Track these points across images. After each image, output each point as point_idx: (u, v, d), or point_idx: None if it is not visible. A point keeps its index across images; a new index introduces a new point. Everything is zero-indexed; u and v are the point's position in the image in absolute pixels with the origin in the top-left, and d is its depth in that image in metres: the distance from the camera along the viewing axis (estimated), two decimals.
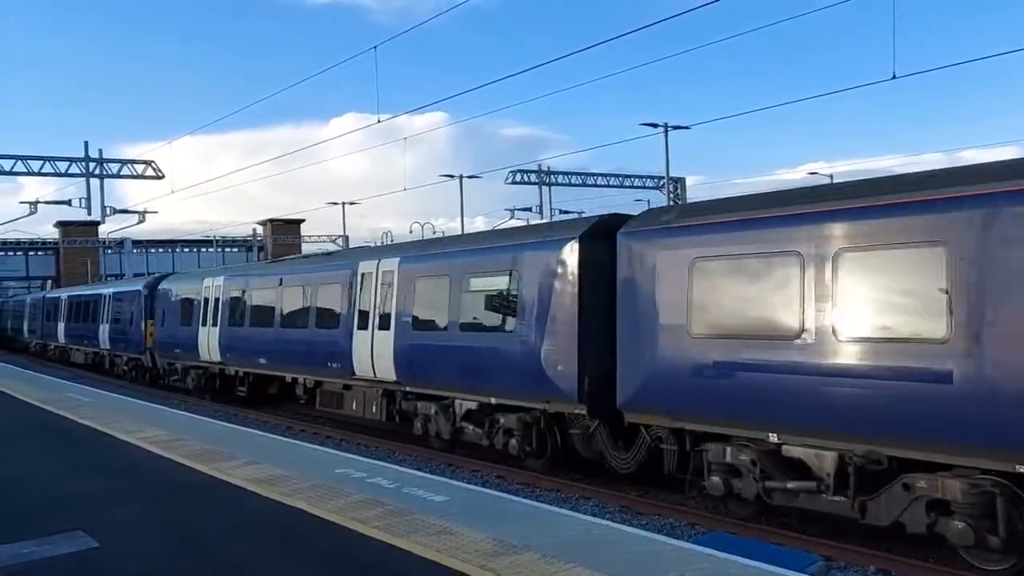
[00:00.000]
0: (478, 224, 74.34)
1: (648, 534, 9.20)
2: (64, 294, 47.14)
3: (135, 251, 68.19)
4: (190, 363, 27.80)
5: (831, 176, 58.60)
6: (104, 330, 36.91)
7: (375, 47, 30.59)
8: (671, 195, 59.49)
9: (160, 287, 31.35)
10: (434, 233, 59.16)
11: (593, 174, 64.47)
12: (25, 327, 56.51)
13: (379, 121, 28.84)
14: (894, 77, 21.02)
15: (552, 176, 62.84)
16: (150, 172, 43.39)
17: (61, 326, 45.12)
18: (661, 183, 61.01)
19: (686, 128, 50.56)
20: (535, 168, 62.02)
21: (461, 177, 61.60)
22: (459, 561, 7.76)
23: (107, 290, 38.66)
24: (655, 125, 48.90)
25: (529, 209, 62.42)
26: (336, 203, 67.94)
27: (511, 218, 62.33)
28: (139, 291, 33.07)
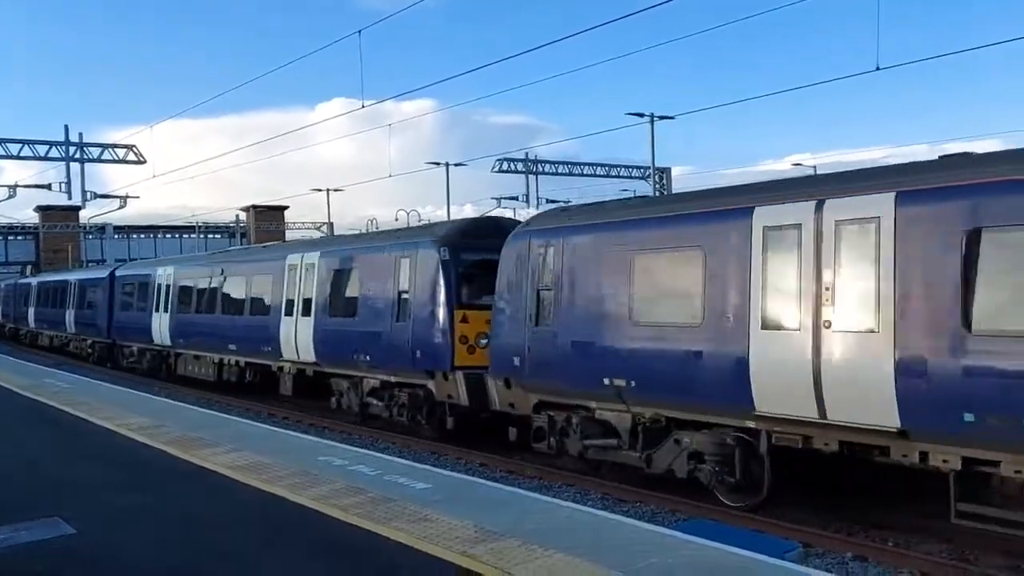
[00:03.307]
0: (467, 211, 74.09)
1: (630, 521, 9.29)
2: (35, 280, 48.28)
3: (116, 237, 67.55)
4: (144, 346, 29.68)
5: (815, 168, 58.97)
6: (71, 315, 37.98)
7: (359, 31, 30.43)
8: (657, 185, 59.59)
9: (119, 274, 33.27)
10: (419, 220, 58.87)
11: (580, 163, 64.36)
12: None
13: (363, 106, 28.92)
14: (878, 68, 21.23)
15: (539, 165, 62.73)
16: (131, 156, 42.86)
17: (31, 311, 46.03)
18: (647, 173, 61.06)
19: (671, 118, 50.59)
20: (522, 157, 61.83)
21: (448, 165, 61.30)
22: (440, 548, 7.79)
23: (73, 277, 39.75)
24: (641, 115, 49.05)
25: (515, 198, 62.26)
26: (320, 190, 67.39)
27: (497, 207, 62.08)
28: (104, 278, 34.13)
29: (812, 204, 9.93)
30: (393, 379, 16.96)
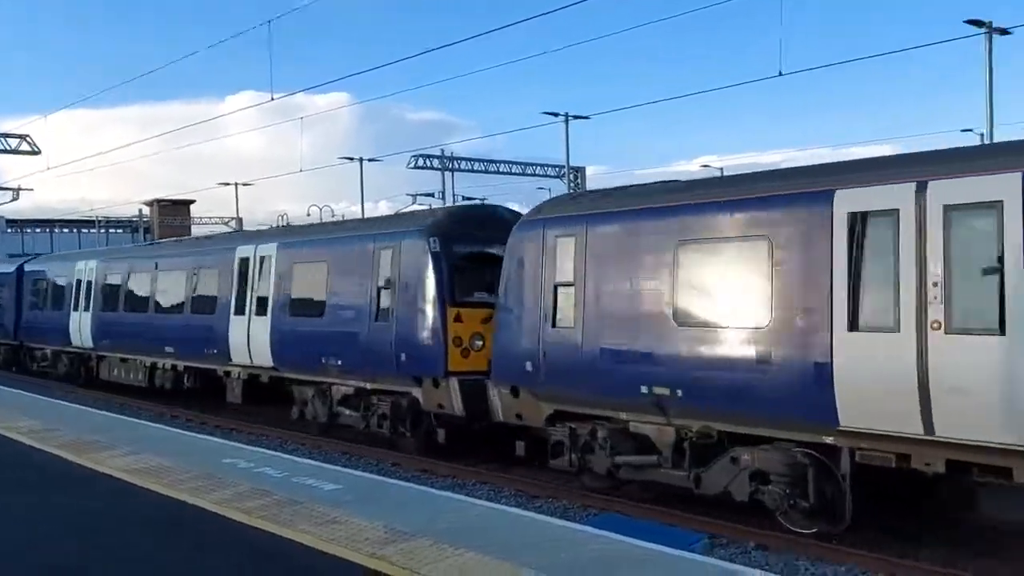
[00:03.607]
0: (382, 208, 73.20)
1: (543, 517, 9.27)
2: None
3: (9, 231, 64.36)
4: (60, 348, 26.98)
5: (721, 169, 60.38)
6: None
7: (269, 21, 29.51)
8: (571, 183, 60.03)
9: (29, 269, 30.45)
10: (332, 216, 57.94)
11: (496, 161, 64.35)
12: None
13: (272, 99, 27.88)
14: (780, 74, 21.85)
15: (455, 162, 62.44)
16: (25, 147, 40.94)
17: None
18: (562, 172, 61.48)
19: (585, 118, 51.07)
20: (438, 154, 61.52)
21: (361, 160, 60.39)
22: (348, 550, 7.61)
23: None
24: (556, 114, 49.42)
25: (431, 195, 61.88)
26: (229, 184, 65.67)
27: (413, 203, 61.53)
28: (10, 274, 31.25)
29: (911, 186, 8.60)
30: (369, 386, 15.08)
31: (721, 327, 10.02)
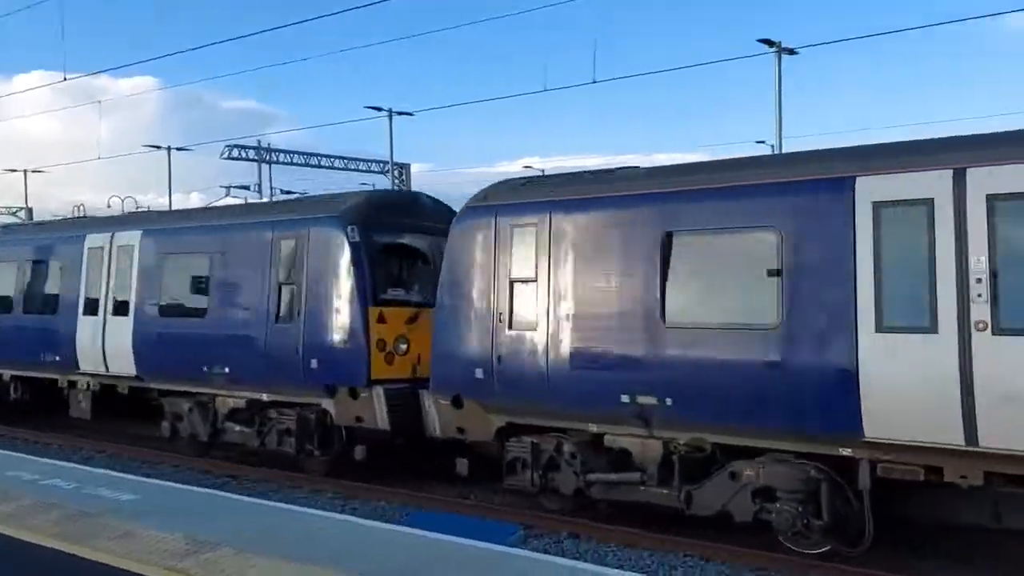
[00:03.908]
0: (194, 200, 67.87)
1: (357, 520, 9.21)
2: None
3: None
4: None
5: (543, 170, 60.93)
6: None
7: None
8: (396, 180, 58.78)
9: None
10: (136, 208, 53.04)
11: (317, 155, 61.53)
12: None
13: (65, 79, 24.47)
14: (594, 81, 22.01)
15: (273, 154, 59.25)
16: None
17: None
18: (386, 168, 60.07)
19: (410, 115, 50.49)
20: (254, 144, 58.08)
21: (169, 148, 55.89)
22: (143, 564, 7.33)
23: None
24: (379, 109, 48.55)
25: (247, 187, 58.16)
26: (16, 170, 59.16)
27: (226, 196, 57.64)
28: None
29: (947, 174, 7.91)
30: (267, 397, 13.03)
31: (721, 327, 8.99)
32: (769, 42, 29.51)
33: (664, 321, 9.32)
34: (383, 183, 59.75)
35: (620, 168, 10.79)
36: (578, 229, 10.05)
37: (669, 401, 9.25)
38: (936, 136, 8.74)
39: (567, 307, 10.01)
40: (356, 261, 11.93)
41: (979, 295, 7.74)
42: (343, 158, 62.69)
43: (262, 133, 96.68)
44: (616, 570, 7.92)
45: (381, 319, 11.92)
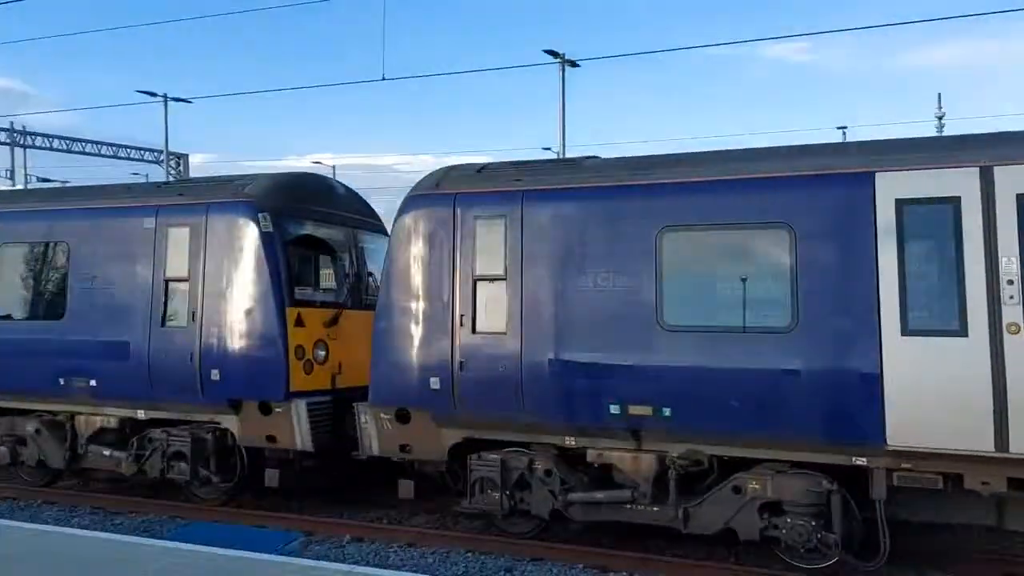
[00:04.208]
0: None
1: (121, 537, 8.75)
2: None
3: None
4: None
5: (334, 167, 59.25)
6: None
7: None
8: (172, 171, 54.86)
9: None
10: None
11: (82, 140, 55.74)
12: None
13: None
14: (384, 79, 21.75)
15: (29, 137, 53.15)
16: None
17: None
18: (160, 157, 56.05)
19: (188, 101, 47.67)
20: (7, 126, 51.85)
21: None
22: None
23: None
24: (154, 94, 45.40)
25: None
26: None
27: None
28: None
29: (973, 172, 7.70)
30: (143, 415, 11.03)
31: (728, 331, 8.34)
32: (554, 53, 30.18)
33: (662, 324, 8.59)
34: (158, 173, 55.34)
35: (588, 158, 9.92)
36: (558, 222, 9.06)
37: (667, 411, 8.49)
38: (960, 133, 8.63)
39: (545, 308, 8.99)
40: (270, 254, 10.23)
41: (1011, 297, 7.55)
42: (112, 144, 57.48)
43: (16, 115, 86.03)
44: (392, 571, 7.92)
45: (299, 322, 10.29)
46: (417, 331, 9.53)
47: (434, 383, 9.36)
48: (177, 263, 10.60)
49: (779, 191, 8.39)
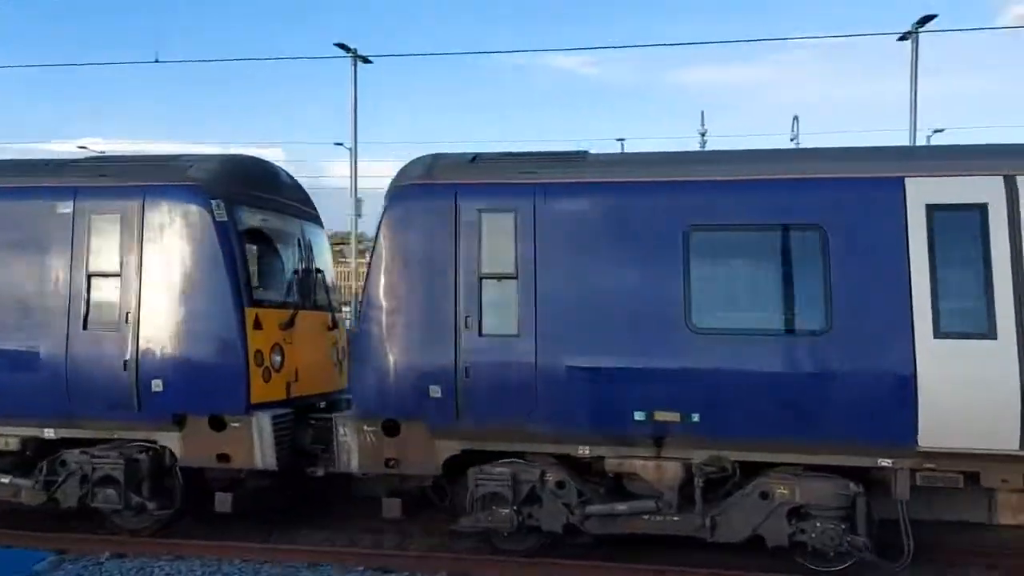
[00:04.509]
0: None
1: None
2: None
3: None
4: None
5: (103, 152, 54.70)
6: None
7: None
8: None
9: None
10: None
11: None
12: None
13: None
14: (157, 61, 20.82)
15: None
16: None
17: None
18: None
19: None
20: None
21: None
22: None
23: None
24: None
25: None
26: None
27: None
28: None
29: (998, 180, 7.94)
30: (52, 433, 9.25)
31: (761, 333, 8.17)
32: (345, 47, 29.47)
33: (691, 326, 8.23)
34: None
35: (581, 152, 9.35)
36: (579, 218, 8.47)
37: (696, 416, 8.17)
38: (987, 143, 8.90)
39: (562, 309, 8.38)
40: (226, 248, 8.87)
41: None
42: None
43: None
44: None
45: (258, 324, 9.01)
46: (411, 335, 8.61)
47: (434, 391, 8.49)
48: (104, 256, 8.99)
49: (811, 192, 8.28)
